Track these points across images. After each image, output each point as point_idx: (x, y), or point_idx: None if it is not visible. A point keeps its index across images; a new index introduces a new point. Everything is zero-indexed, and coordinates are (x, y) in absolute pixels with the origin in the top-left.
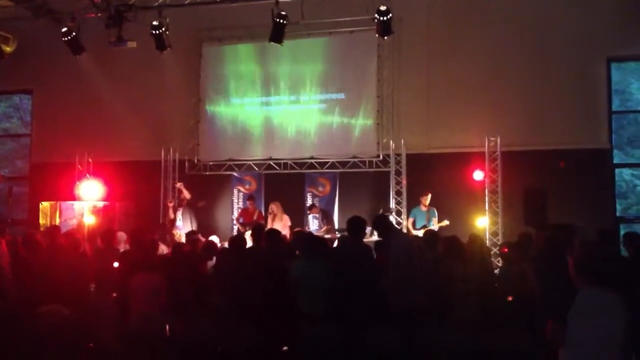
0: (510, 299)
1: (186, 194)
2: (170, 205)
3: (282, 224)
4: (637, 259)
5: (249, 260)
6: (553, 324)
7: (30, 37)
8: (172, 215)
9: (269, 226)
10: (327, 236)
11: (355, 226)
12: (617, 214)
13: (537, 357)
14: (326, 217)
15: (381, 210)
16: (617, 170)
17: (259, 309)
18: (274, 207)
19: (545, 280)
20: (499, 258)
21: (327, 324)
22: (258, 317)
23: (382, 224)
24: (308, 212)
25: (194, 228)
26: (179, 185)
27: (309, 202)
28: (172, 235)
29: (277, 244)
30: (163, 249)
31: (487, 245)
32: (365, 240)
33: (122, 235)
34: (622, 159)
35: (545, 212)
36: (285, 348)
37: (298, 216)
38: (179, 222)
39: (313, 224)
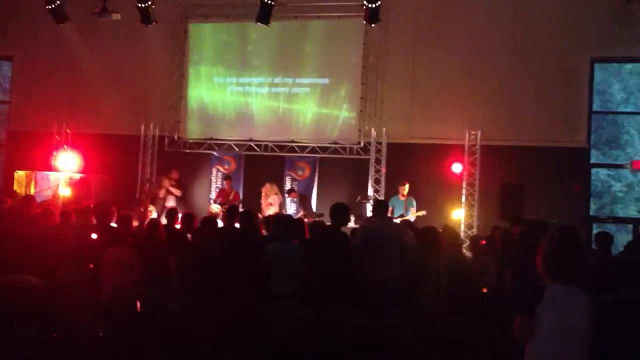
0: (484, 290)
1: (175, 192)
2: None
3: (265, 204)
4: (606, 259)
5: (222, 239)
6: (520, 318)
7: (14, 4)
8: (161, 194)
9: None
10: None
11: (337, 212)
12: (591, 213)
13: (504, 347)
14: (304, 202)
15: (359, 198)
16: (593, 170)
17: (231, 286)
18: (264, 187)
19: (517, 274)
20: (472, 250)
21: (298, 303)
22: (230, 294)
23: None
24: (287, 195)
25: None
26: (166, 183)
27: (288, 185)
28: (148, 211)
29: (248, 224)
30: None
31: (462, 237)
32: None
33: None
34: (599, 158)
35: (521, 207)
36: (255, 325)
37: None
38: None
39: (290, 208)
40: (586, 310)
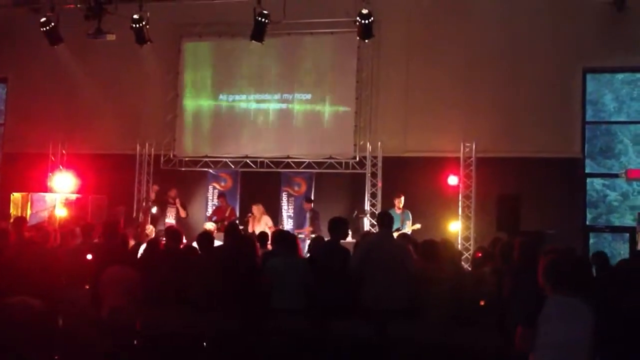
0: (482, 303)
1: (182, 212)
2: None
3: (260, 227)
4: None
5: (223, 255)
6: (522, 329)
7: (8, 25)
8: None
9: (249, 229)
10: (309, 236)
11: (336, 227)
12: (587, 223)
13: (504, 356)
14: (314, 218)
15: (355, 212)
16: (588, 180)
17: (233, 302)
18: (254, 209)
19: (515, 284)
20: (470, 262)
21: (300, 317)
22: (232, 310)
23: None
24: (305, 204)
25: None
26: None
27: (285, 201)
28: (144, 230)
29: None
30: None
31: (459, 249)
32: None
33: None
34: (593, 168)
35: (517, 219)
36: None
37: (273, 214)
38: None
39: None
40: (587, 321)
